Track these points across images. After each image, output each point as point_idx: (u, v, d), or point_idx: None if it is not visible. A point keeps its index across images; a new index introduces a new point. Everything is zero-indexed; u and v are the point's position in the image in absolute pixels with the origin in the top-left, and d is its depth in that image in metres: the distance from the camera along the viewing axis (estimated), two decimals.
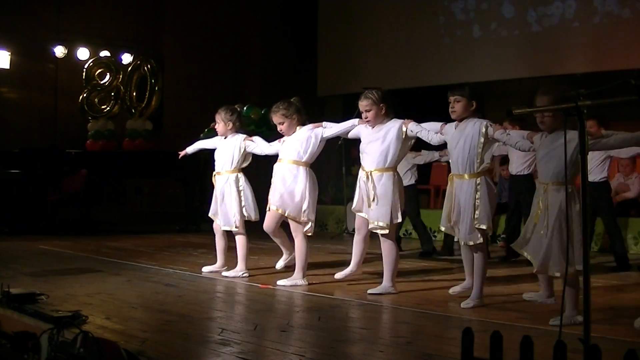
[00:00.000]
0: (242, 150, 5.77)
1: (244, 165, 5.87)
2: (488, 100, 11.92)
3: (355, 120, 5.14)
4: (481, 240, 4.50)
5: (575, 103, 2.53)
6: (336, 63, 11.97)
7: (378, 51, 11.39)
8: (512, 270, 6.30)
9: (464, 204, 4.51)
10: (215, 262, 6.07)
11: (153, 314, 4.28)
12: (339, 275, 5.36)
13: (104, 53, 11.74)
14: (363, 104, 4.93)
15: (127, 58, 11.79)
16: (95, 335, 3.08)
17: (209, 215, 6.00)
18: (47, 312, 3.85)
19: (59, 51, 11.34)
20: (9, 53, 10.92)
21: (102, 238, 7.59)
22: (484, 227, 4.47)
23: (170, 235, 6.85)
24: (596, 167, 6.66)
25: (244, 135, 5.85)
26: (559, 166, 3.95)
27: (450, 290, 4.88)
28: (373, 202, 4.88)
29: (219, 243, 5.98)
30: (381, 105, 4.90)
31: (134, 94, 11.65)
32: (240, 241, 5.82)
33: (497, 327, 2.84)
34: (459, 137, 4.54)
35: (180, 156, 6.45)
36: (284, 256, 5.90)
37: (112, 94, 11.57)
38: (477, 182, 4.46)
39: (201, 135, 7.55)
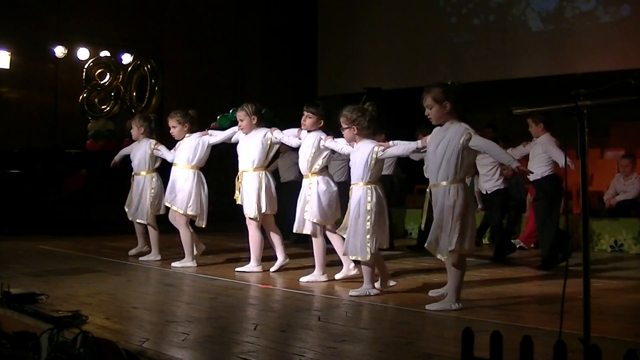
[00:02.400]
0: (151, 153, 6.68)
1: (156, 166, 6.77)
2: (488, 100, 11.98)
3: (235, 128, 6.06)
4: (310, 229, 5.44)
5: (576, 103, 2.53)
6: (336, 63, 11.96)
7: (378, 51, 11.38)
8: (512, 271, 6.31)
9: (303, 198, 5.47)
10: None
11: (153, 314, 4.28)
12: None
13: (104, 53, 11.73)
14: (239, 114, 5.94)
15: (127, 58, 11.79)
16: (95, 335, 3.08)
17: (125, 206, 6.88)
18: (47, 312, 3.85)
19: (59, 51, 11.33)
20: (9, 53, 10.90)
21: (102, 238, 7.59)
22: (314, 220, 5.41)
23: (170, 235, 6.85)
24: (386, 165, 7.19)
25: (153, 141, 6.72)
26: (357, 170, 4.86)
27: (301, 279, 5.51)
28: (242, 196, 5.90)
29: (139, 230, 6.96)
30: (253, 117, 5.88)
31: (134, 94, 11.66)
32: (152, 232, 6.78)
33: (497, 327, 2.84)
34: (305, 144, 5.53)
35: (111, 166, 7.23)
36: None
37: (112, 94, 11.58)
38: (317, 180, 5.44)
39: None
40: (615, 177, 8.21)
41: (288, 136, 5.77)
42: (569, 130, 2.67)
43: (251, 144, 5.89)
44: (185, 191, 6.23)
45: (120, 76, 11.61)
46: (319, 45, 12.21)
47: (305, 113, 5.49)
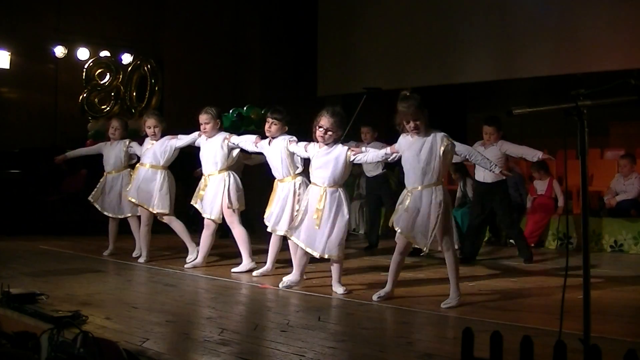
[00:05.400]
0: (125, 154, 7.11)
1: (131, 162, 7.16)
2: (488, 100, 11.96)
3: (197, 133, 6.29)
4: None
5: (576, 103, 2.53)
6: (336, 63, 11.95)
7: (378, 51, 11.37)
8: (512, 271, 6.31)
9: (283, 202, 5.58)
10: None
11: (153, 314, 4.28)
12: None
13: (104, 53, 11.72)
14: (202, 118, 6.14)
15: (127, 58, 11.77)
16: (95, 335, 3.08)
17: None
18: (47, 312, 3.85)
19: (59, 51, 11.32)
20: (9, 53, 10.89)
21: (102, 238, 7.58)
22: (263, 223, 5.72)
23: (170, 235, 6.85)
24: (373, 165, 7.66)
25: (125, 141, 7.13)
26: (333, 173, 5.01)
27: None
28: (206, 198, 6.15)
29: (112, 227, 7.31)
30: (217, 120, 6.16)
31: (134, 94, 11.64)
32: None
33: (497, 327, 2.84)
34: (274, 150, 5.69)
35: (56, 161, 7.63)
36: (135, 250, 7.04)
37: (112, 94, 11.57)
38: (296, 183, 5.57)
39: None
40: (615, 177, 8.21)
41: (245, 141, 6.01)
42: (569, 130, 2.67)
43: (213, 147, 6.15)
44: (151, 190, 6.57)
45: (120, 76, 11.59)
46: (319, 45, 12.21)
47: (270, 120, 5.69)
